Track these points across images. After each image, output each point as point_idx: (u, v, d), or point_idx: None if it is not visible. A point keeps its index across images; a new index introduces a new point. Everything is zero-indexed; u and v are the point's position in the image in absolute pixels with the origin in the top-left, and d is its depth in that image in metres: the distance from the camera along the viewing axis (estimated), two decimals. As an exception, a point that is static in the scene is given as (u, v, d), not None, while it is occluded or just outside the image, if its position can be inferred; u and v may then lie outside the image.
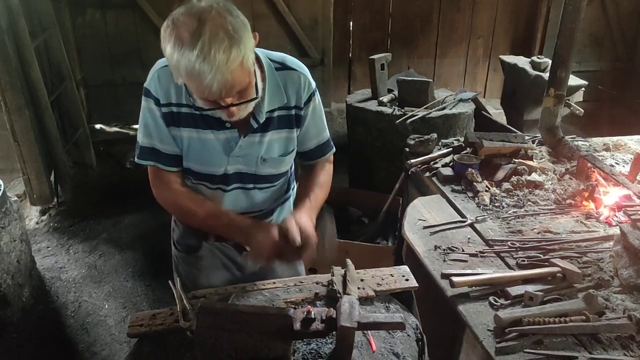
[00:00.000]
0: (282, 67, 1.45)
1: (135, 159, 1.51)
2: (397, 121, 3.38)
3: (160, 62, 1.42)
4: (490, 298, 1.55)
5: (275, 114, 1.46)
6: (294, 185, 1.77)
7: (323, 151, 1.64)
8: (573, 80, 3.47)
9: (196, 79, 1.19)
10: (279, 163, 1.54)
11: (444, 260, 1.75)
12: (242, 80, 1.25)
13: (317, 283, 1.56)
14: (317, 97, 1.54)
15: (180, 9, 1.21)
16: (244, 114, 1.35)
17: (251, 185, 1.55)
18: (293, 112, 1.49)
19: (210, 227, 1.54)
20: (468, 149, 2.47)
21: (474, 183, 2.21)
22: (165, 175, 1.49)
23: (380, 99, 3.66)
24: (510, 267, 1.72)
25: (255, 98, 1.34)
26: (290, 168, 1.65)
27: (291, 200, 1.75)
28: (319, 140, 1.61)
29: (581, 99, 3.92)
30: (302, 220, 1.41)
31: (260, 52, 1.42)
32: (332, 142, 1.66)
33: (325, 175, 1.65)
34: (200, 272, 1.69)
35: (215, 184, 1.53)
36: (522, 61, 4.27)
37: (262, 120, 1.44)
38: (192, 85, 1.24)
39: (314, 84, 1.52)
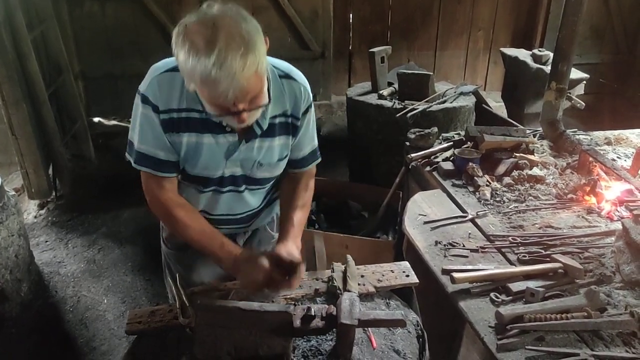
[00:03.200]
0: (285, 75, 1.46)
1: (132, 163, 1.46)
2: (398, 115, 3.36)
3: (157, 68, 1.39)
4: (491, 294, 1.55)
5: (277, 120, 1.47)
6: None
7: (311, 159, 1.64)
8: (574, 73, 3.44)
9: (211, 86, 1.18)
10: (274, 168, 1.54)
11: (445, 256, 1.74)
12: (256, 86, 1.25)
13: (317, 279, 1.55)
14: (313, 109, 1.56)
15: (191, 16, 1.20)
16: (252, 119, 1.36)
17: (243, 187, 1.55)
18: (290, 120, 1.49)
19: (200, 245, 1.49)
20: (469, 143, 2.46)
21: (475, 177, 2.20)
22: (161, 181, 1.46)
23: (381, 92, 3.64)
24: (511, 263, 1.71)
25: (266, 104, 1.35)
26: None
27: (278, 202, 1.74)
28: (312, 147, 1.62)
29: (582, 92, 3.89)
30: (289, 248, 1.42)
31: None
32: (319, 152, 1.66)
33: (307, 195, 1.64)
34: (192, 269, 1.68)
35: (209, 187, 1.52)
36: (523, 54, 4.24)
37: (265, 127, 1.43)
38: (206, 91, 1.23)
39: (311, 96, 1.54)
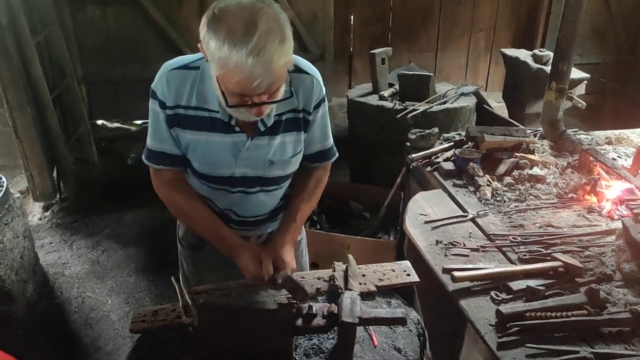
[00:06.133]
0: (296, 69, 1.43)
1: (144, 159, 1.51)
2: (398, 116, 3.37)
3: (169, 65, 1.40)
4: (492, 293, 1.56)
5: (284, 117, 1.45)
6: None
7: (324, 157, 1.63)
8: (575, 73, 3.45)
9: (244, 72, 1.16)
10: (287, 164, 1.53)
11: (446, 255, 1.76)
12: (282, 78, 1.25)
13: (318, 278, 1.56)
14: (326, 104, 1.54)
15: (225, 1, 1.18)
16: (267, 111, 1.35)
17: (257, 189, 1.54)
18: (301, 115, 1.48)
19: (204, 236, 1.54)
20: (469, 143, 2.47)
21: (476, 177, 2.21)
22: (167, 174, 1.50)
23: (381, 93, 3.65)
24: (511, 262, 1.72)
25: (287, 98, 1.33)
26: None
27: None
28: (323, 146, 1.60)
29: (583, 92, 3.90)
30: (284, 252, 1.43)
31: None
32: (335, 149, 1.65)
33: (317, 189, 1.64)
34: (204, 270, 1.69)
35: (221, 185, 1.52)
36: (523, 54, 4.25)
37: (269, 124, 1.43)
38: (235, 78, 1.20)
39: (324, 90, 1.51)
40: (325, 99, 1.53)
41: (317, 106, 1.49)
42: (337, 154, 1.66)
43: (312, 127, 1.52)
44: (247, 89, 1.21)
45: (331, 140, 1.63)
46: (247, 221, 1.62)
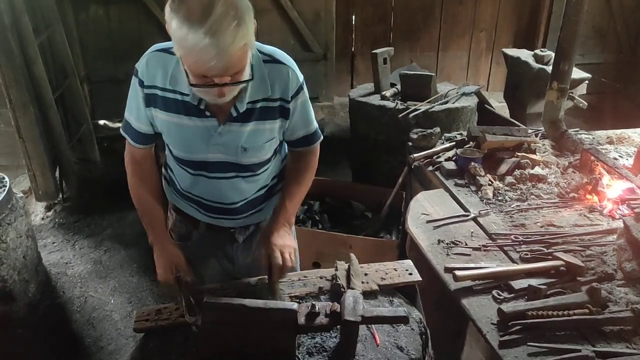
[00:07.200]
0: (271, 59, 1.46)
1: (121, 130, 1.59)
2: (400, 115, 3.38)
3: (153, 47, 1.48)
4: (494, 292, 1.56)
5: (258, 105, 1.47)
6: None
7: (309, 141, 1.64)
8: (576, 73, 3.45)
9: (200, 54, 1.21)
10: (259, 151, 1.54)
11: (447, 254, 1.76)
12: (241, 62, 1.28)
13: (321, 277, 1.57)
14: (305, 91, 1.55)
15: None
16: (231, 96, 1.36)
17: (233, 174, 1.56)
18: (277, 103, 1.49)
19: (140, 216, 1.64)
20: (471, 142, 2.47)
21: (477, 177, 2.22)
22: (132, 148, 1.59)
23: (383, 93, 3.66)
24: (513, 261, 1.73)
25: (249, 80, 1.36)
26: (275, 157, 1.64)
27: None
28: (306, 131, 1.61)
29: (585, 92, 3.90)
30: (275, 239, 1.50)
31: None
32: (319, 133, 1.66)
33: (308, 169, 1.67)
34: (192, 261, 1.68)
35: (196, 170, 1.56)
36: (525, 54, 4.24)
37: (242, 110, 1.45)
38: (192, 59, 1.25)
39: (301, 77, 1.52)
40: (304, 86, 1.54)
41: (296, 95, 1.51)
42: (322, 137, 1.68)
43: (294, 115, 1.54)
44: (203, 70, 1.25)
45: (315, 125, 1.64)
46: (230, 209, 1.63)
